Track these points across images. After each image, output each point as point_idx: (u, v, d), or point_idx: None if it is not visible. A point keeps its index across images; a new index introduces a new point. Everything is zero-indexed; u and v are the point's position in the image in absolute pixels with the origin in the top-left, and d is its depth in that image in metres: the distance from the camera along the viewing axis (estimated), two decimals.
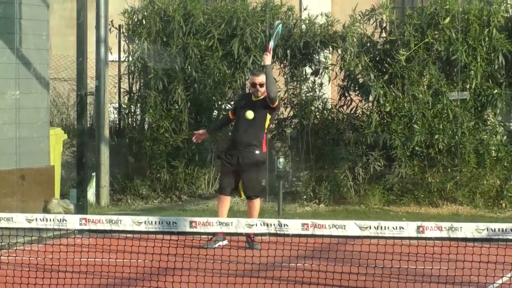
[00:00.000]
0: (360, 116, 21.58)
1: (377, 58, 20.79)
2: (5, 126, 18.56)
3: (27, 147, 18.98)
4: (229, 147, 15.93)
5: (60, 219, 10.91)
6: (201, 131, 16.35)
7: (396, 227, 9.01)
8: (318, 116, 21.89)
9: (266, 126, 15.98)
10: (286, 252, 13.10)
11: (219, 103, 21.77)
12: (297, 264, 13.03)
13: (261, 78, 15.58)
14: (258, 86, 15.17)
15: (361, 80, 21.35)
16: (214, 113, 21.82)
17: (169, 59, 21.86)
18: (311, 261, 12.32)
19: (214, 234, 13.70)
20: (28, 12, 19.48)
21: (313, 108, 21.75)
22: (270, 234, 13.07)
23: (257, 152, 15.10)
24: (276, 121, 20.09)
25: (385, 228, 8.79)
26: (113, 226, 10.97)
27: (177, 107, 21.56)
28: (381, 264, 11.05)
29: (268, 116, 15.89)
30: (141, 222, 10.47)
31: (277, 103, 15.15)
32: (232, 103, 21.13)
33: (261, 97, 15.44)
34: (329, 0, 27.42)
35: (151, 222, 10.46)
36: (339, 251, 12.31)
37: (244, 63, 21.00)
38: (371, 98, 20.23)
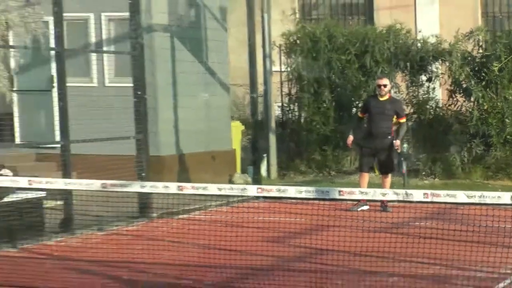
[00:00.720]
0: (464, 112, 25.62)
1: (476, 69, 24.47)
2: (198, 120, 22.24)
3: (215, 136, 22.75)
4: (366, 136, 18.98)
5: (242, 189, 13.65)
6: (350, 138, 19.09)
7: (494, 196, 9.55)
8: (432, 113, 25.78)
9: (393, 120, 19.02)
10: (411, 214, 15.79)
11: (356, 102, 25.11)
12: (419, 223, 16.10)
13: (384, 81, 19.22)
14: (382, 86, 18.56)
15: (464, 85, 25.30)
16: (353, 110, 25.15)
17: (317, 70, 25.79)
18: (430, 221, 15.92)
19: (358, 201, 16.09)
20: (211, 35, 23.41)
21: (428, 106, 25.74)
22: (399, 201, 13.17)
23: (389, 137, 17.96)
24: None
25: (486, 197, 9.23)
26: (281, 194, 12.74)
27: (325, 105, 25.70)
28: (484, 224, 12.51)
29: (395, 116, 19.19)
30: (302, 191, 11.93)
31: (404, 117, 18.92)
32: (357, 103, 25.49)
33: (385, 97, 18.81)
34: (437, 24, 29.73)
35: (309, 191, 11.98)
36: (451, 214, 15.79)
37: (374, 72, 24.81)
38: (472, 99, 24.24)
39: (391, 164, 18.47)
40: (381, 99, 18.94)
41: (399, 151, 19.34)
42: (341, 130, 25.12)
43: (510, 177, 23.96)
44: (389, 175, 18.49)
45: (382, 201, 16.28)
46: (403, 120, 19.43)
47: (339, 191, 11.24)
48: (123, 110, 18.15)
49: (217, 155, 22.73)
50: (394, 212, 16.34)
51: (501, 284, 10.65)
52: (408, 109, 25.12)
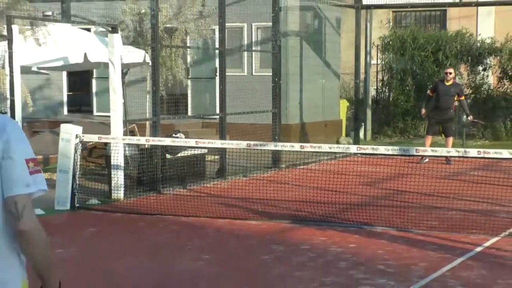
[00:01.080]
0: (509, 93, 28.17)
1: None
2: (316, 98, 23.89)
3: (328, 109, 24.93)
4: (434, 109, 20.71)
5: (346, 147, 15.90)
6: (423, 111, 20.73)
7: None
8: (485, 93, 28.10)
9: (455, 99, 20.79)
10: (467, 166, 17.14)
11: (430, 86, 23.83)
12: (473, 173, 16.88)
13: (450, 70, 20.95)
14: (448, 74, 20.33)
15: (510, 73, 27.92)
16: (427, 92, 23.28)
17: (403, 63, 28.11)
18: (481, 171, 16.52)
19: (422, 156, 17.52)
20: (328, 38, 25.46)
21: (482, 89, 28.03)
22: (459, 157, 14.44)
23: (451, 111, 20.11)
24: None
25: None
26: (374, 151, 16.21)
27: (407, 88, 28.03)
28: None
29: (456, 95, 20.92)
30: (389, 149, 14.86)
31: (463, 97, 20.47)
32: (430, 86, 25.00)
33: (450, 82, 20.55)
34: (492, 29, 30.58)
35: (394, 149, 14.89)
36: (497, 166, 16.93)
37: (445, 64, 26.86)
38: None
39: (452, 130, 20.59)
40: (447, 83, 20.84)
41: (471, 119, 21.46)
42: (418, 105, 26.15)
43: None
44: (451, 138, 20.12)
45: (446, 157, 17.65)
46: (463, 98, 21.37)
47: (416, 149, 13.63)
48: (264, 92, 19.83)
49: (329, 123, 25.28)
50: (455, 164, 18.26)
51: None
52: (467, 91, 27.52)
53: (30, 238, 3.00)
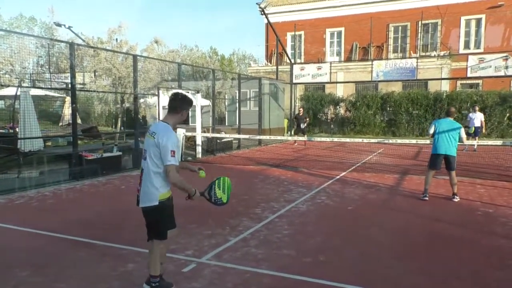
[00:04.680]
0: (348, 116, 22.78)
1: None
2: (275, 118, 20.52)
3: (279, 122, 20.86)
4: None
5: (286, 138, 17.61)
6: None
7: None
8: (339, 117, 22.99)
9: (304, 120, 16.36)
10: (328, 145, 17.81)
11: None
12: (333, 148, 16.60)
13: (301, 109, 16.74)
14: (300, 110, 17.28)
15: (347, 110, 22.95)
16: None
17: (308, 104, 23.09)
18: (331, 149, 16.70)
19: None
20: (280, 95, 23.01)
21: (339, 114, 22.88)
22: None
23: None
24: None
25: None
26: (294, 138, 17.44)
27: (309, 114, 22.13)
28: None
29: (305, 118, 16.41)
30: (299, 137, 17.44)
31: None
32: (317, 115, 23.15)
33: (301, 113, 17.54)
34: (342, 91, 24.75)
35: (308, 137, 17.35)
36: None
37: (323, 106, 23.82)
38: None
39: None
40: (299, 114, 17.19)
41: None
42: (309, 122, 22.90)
43: None
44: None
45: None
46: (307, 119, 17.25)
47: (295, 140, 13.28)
48: (255, 116, 17.61)
49: (280, 128, 21.00)
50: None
51: None
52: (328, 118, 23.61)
53: (173, 182, 3.22)
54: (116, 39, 14.84)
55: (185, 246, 4.64)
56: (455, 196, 7.02)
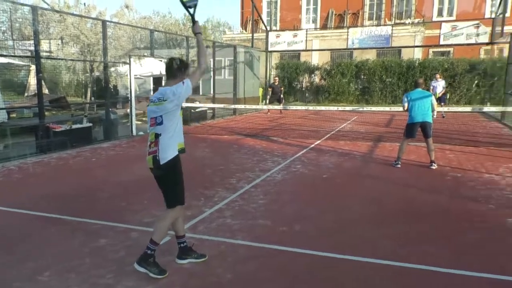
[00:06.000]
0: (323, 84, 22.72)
1: None
2: (250, 87, 21.76)
3: (254, 91, 19.54)
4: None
5: (261, 107, 17.93)
6: None
7: None
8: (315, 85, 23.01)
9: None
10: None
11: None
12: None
13: (275, 79, 18.09)
14: (275, 79, 19.08)
15: (323, 78, 22.77)
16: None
17: (283, 73, 23.20)
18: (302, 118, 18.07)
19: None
20: (255, 63, 19.72)
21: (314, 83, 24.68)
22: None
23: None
24: None
25: None
26: (268, 107, 17.71)
27: (284, 82, 22.66)
28: None
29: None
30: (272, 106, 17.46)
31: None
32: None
33: (277, 83, 19.04)
34: (317, 59, 24.15)
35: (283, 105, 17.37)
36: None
37: (300, 73, 23.32)
38: None
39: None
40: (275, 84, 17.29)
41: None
42: (286, 90, 23.31)
43: None
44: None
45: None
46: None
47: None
48: (230, 84, 17.17)
49: (255, 97, 20.05)
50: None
51: None
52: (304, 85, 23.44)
53: (203, 62, 3.29)
54: (84, 4, 14.52)
55: None
56: (433, 164, 7.09)
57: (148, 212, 4.74)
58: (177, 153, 3.27)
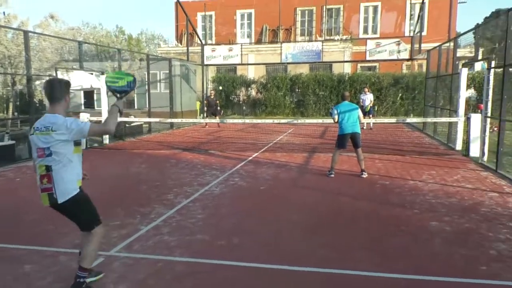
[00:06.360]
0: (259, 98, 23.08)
1: None
2: (187, 100, 21.98)
3: (191, 105, 20.99)
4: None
5: (199, 120, 17.79)
6: None
7: None
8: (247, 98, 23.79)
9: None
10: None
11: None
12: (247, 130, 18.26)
13: (212, 91, 19.48)
14: (211, 92, 19.54)
15: (259, 91, 23.38)
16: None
17: (220, 87, 25.11)
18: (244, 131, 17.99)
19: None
20: (191, 76, 20.71)
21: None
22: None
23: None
24: None
25: None
26: (206, 121, 17.49)
27: (222, 95, 25.35)
28: None
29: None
30: (210, 119, 17.29)
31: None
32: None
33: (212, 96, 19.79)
34: (253, 73, 24.67)
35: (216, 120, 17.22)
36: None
37: (236, 87, 25.37)
38: None
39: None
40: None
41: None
42: (221, 103, 24.36)
43: None
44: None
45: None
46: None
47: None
48: (167, 98, 17.19)
49: (192, 111, 20.64)
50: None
51: None
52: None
53: (108, 129, 3.02)
54: (4, 13, 13.31)
55: None
56: (363, 173, 7.37)
57: (78, 234, 4.49)
58: (78, 190, 3.03)
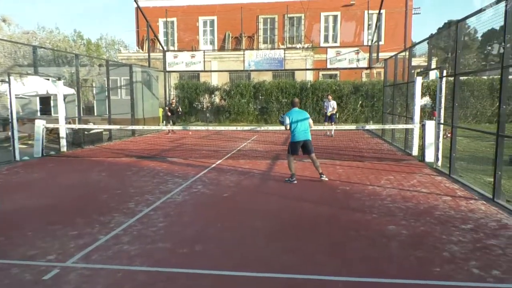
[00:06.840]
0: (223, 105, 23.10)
1: None
2: (149, 107, 20.58)
3: (154, 112, 20.31)
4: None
5: (162, 128, 17.55)
6: None
7: None
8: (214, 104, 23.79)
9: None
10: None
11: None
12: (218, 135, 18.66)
13: (173, 99, 19.09)
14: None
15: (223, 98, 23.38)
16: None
17: (183, 93, 25.56)
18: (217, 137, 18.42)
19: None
20: (153, 83, 19.79)
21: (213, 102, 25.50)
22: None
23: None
24: None
25: None
26: (171, 127, 17.39)
27: (185, 102, 23.67)
28: None
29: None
30: (178, 126, 17.10)
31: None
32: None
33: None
34: (217, 79, 24.92)
35: (180, 126, 17.13)
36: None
37: (199, 94, 24.49)
38: None
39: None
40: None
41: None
42: (184, 110, 24.65)
43: None
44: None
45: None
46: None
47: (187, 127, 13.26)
48: (128, 105, 16.93)
49: (155, 118, 20.46)
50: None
51: None
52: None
53: None
54: None
55: (46, 250, 4.18)
56: (322, 175, 7.52)
57: (32, 245, 4.35)
58: None
